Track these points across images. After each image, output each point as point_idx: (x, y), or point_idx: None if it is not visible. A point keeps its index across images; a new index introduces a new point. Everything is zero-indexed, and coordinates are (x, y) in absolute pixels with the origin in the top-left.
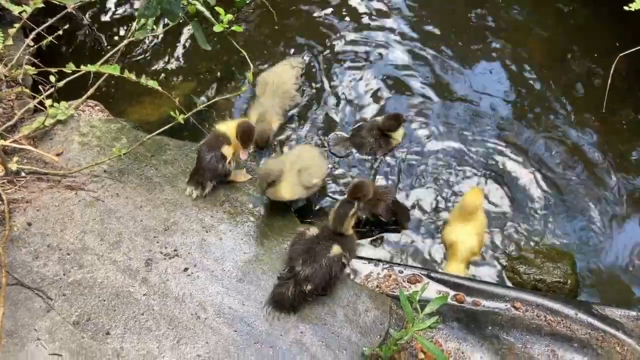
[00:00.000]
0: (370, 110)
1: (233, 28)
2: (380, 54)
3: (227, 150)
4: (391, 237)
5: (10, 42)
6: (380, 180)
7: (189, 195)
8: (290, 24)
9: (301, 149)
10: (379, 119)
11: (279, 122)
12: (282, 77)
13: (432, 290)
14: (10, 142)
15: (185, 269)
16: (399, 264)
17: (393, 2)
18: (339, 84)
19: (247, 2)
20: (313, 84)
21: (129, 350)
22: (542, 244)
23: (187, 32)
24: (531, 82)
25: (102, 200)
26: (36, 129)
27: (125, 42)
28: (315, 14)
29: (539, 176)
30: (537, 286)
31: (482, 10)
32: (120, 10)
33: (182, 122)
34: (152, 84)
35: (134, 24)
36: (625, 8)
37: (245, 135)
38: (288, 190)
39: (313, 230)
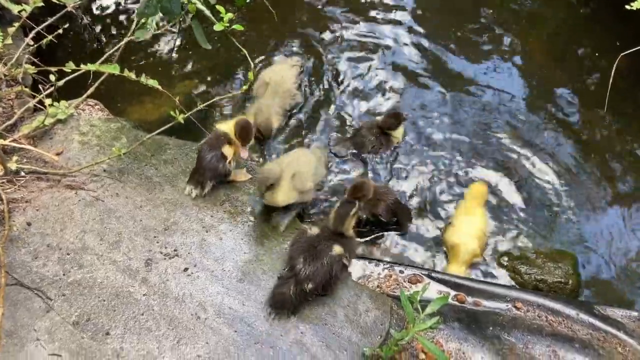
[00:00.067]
0: (378, 105)
1: (234, 27)
2: (387, 46)
3: (227, 150)
4: (392, 236)
5: (9, 41)
6: (380, 180)
7: (188, 194)
8: (292, 20)
9: (298, 153)
10: (379, 118)
11: (278, 121)
12: (282, 76)
13: (433, 290)
14: (10, 142)
15: (185, 269)
16: (400, 264)
17: None
18: (344, 79)
19: (247, 1)
20: (317, 82)
21: (129, 350)
22: (545, 244)
23: (186, 31)
24: (536, 77)
25: (102, 199)
26: (36, 128)
27: (125, 40)
28: (318, 6)
29: (539, 175)
30: (538, 286)
31: (489, 10)
32: (120, 10)
33: (182, 121)
34: (152, 83)
35: (134, 23)
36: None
37: (244, 132)
38: (281, 195)
39: (314, 230)
